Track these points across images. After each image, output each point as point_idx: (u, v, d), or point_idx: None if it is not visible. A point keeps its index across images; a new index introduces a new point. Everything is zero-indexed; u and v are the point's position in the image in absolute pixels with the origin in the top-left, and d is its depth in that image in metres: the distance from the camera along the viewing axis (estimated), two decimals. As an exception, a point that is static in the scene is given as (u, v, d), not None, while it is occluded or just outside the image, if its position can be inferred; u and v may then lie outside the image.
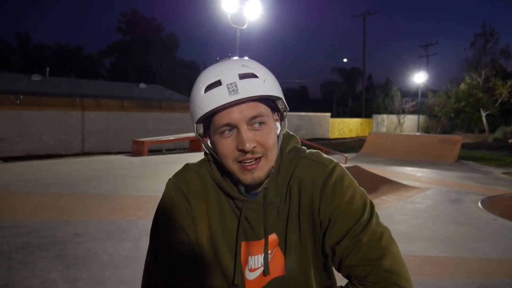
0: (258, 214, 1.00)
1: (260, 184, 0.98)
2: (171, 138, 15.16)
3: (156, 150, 15.47)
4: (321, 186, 0.99)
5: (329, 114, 31.05)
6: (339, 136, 30.61)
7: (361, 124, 34.00)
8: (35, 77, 25.45)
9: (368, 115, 37.46)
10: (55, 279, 3.66)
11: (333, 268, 1.07)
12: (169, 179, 1.07)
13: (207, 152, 1.02)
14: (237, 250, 1.00)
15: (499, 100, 31.42)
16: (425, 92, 36.74)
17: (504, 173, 11.77)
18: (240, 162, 0.93)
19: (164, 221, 1.04)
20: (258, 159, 0.93)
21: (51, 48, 47.66)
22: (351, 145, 21.52)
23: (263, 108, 0.94)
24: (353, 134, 32.25)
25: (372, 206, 1.00)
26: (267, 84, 0.93)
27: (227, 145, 0.93)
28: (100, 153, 15.33)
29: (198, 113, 0.93)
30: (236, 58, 0.97)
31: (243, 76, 0.91)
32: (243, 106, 0.91)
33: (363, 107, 37.22)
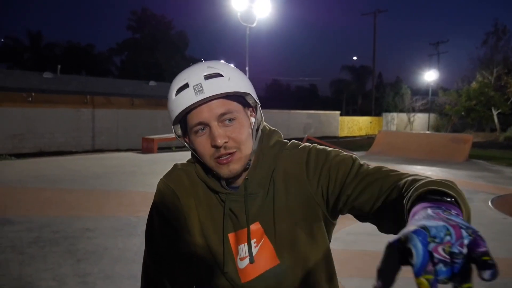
0: (241, 205, 1.05)
1: (238, 176, 1.04)
2: (181, 136, 15.21)
3: (166, 147, 15.56)
4: (305, 164, 1.05)
5: (338, 112, 30.93)
6: (349, 135, 30.49)
7: (370, 122, 33.83)
8: (47, 75, 25.68)
9: (378, 114, 37.27)
10: (66, 273, 3.72)
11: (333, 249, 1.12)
12: (160, 179, 1.14)
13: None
14: (224, 240, 1.06)
15: (511, 99, 31.08)
16: (436, 91, 36.42)
17: (515, 172, 11.66)
18: (216, 158, 0.99)
19: (157, 219, 1.12)
20: (232, 153, 0.99)
21: (62, 46, 48.03)
22: (361, 144, 21.44)
23: (233, 105, 1.00)
24: (363, 133, 32.11)
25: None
26: (232, 81, 0.99)
27: (202, 143, 1.00)
28: (110, 150, 15.46)
29: (172, 115, 1.01)
30: (205, 62, 1.04)
31: (208, 77, 0.97)
32: (212, 104, 0.97)
33: (373, 105, 37.05)
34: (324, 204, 1.04)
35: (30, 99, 14.68)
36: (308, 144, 1.11)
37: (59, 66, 26.86)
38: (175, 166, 1.15)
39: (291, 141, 1.13)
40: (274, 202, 1.05)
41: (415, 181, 0.78)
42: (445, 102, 33.30)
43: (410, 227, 0.52)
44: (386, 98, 39.34)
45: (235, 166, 1.00)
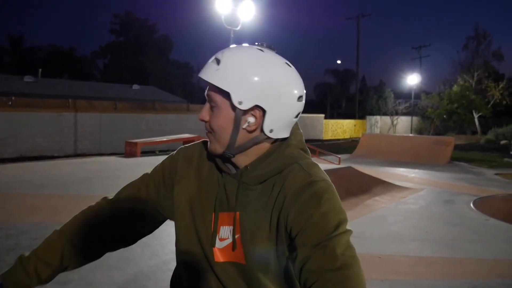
0: (234, 188, 1.04)
1: (228, 159, 1.05)
2: (164, 139, 15.12)
3: (149, 151, 15.41)
4: (298, 193, 0.97)
5: (322, 115, 31.10)
6: (333, 137, 30.67)
7: (354, 125, 34.11)
8: (28, 79, 25.30)
9: (362, 117, 37.58)
10: (46, 281, 3.63)
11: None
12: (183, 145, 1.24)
13: None
14: (208, 217, 1.07)
15: (491, 102, 31.67)
16: (418, 94, 36.92)
17: (496, 174, 11.85)
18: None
19: (160, 168, 1.20)
20: (210, 133, 1.03)
21: (44, 49, 47.42)
22: (345, 146, 21.58)
23: (217, 95, 0.98)
24: (347, 136, 32.34)
25: (348, 231, 0.94)
26: (220, 73, 0.96)
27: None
28: (93, 155, 15.24)
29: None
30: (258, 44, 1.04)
31: (214, 59, 0.98)
32: (211, 84, 0.99)
33: (356, 108, 37.33)
34: (286, 234, 0.99)
35: (10, 103, 14.41)
36: (319, 172, 1.03)
37: (40, 70, 26.50)
38: (202, 141, 1.18)
39: (306, 159, 1.06)
40: (265, 206, 1.01)
41: None
42: (427, 105, 33.76)
43: None
44: (369, 101, 39.70)
45: (211, 146, 1.04)
